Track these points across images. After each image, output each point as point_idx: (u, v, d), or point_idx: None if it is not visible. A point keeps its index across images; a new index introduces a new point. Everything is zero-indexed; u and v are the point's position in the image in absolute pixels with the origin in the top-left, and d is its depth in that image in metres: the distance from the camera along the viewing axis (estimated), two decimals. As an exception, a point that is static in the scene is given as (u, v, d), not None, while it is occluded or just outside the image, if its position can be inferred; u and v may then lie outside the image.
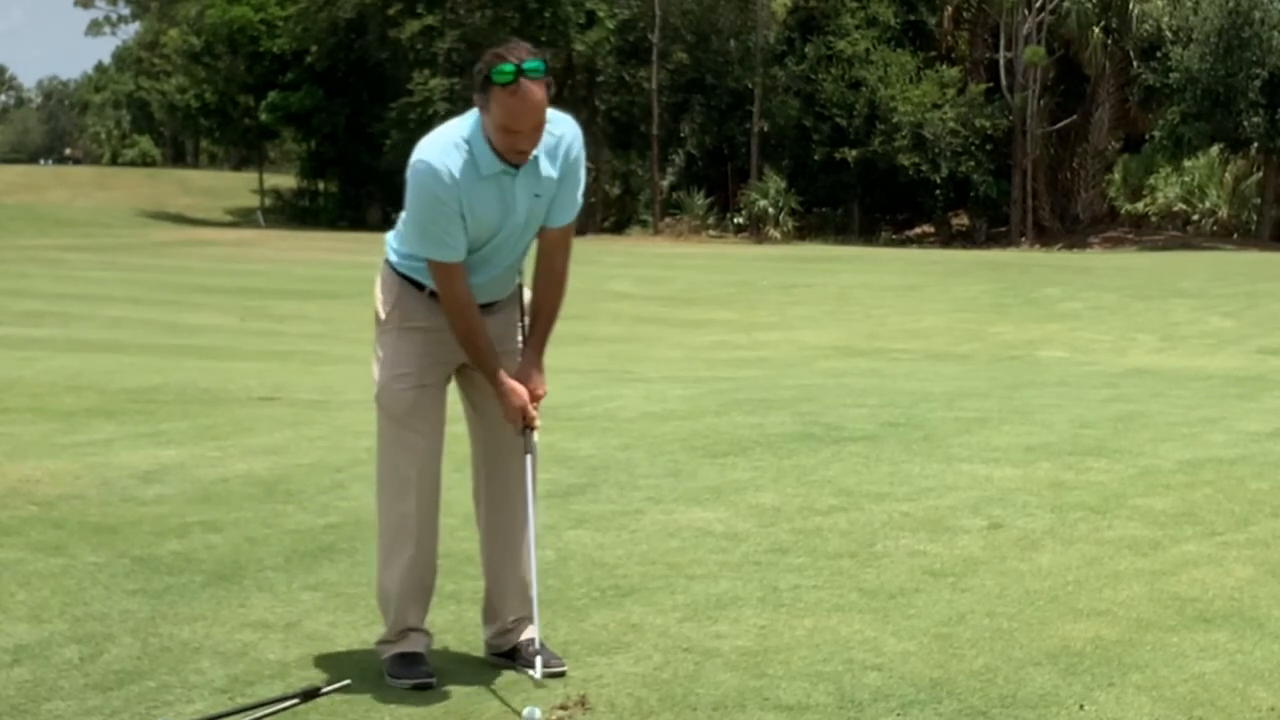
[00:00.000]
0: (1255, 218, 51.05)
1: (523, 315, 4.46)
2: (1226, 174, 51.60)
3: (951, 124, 50.82)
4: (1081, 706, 4.06)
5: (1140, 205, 51.72)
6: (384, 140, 55.42)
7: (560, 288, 4.42)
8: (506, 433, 4.38)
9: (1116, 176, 52.94)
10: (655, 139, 55.37)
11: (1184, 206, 51.45)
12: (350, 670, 4.31)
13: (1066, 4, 51.31)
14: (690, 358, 17.19)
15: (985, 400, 10.38)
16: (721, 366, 15.52)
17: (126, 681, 4.26)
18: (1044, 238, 51.20)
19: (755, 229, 51.69)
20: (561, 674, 4.28)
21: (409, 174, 4.18)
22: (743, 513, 6.41)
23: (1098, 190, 53.97)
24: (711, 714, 4.01)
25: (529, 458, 4.36)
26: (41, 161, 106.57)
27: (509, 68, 4.04)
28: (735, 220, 53.88)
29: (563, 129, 4.28)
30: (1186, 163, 50.77)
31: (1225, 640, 4.64)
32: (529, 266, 4.46)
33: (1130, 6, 51.37)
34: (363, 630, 4.70)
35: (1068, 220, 53.70)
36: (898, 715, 4.00)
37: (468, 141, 4.17)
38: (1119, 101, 53.14)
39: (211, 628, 4.76)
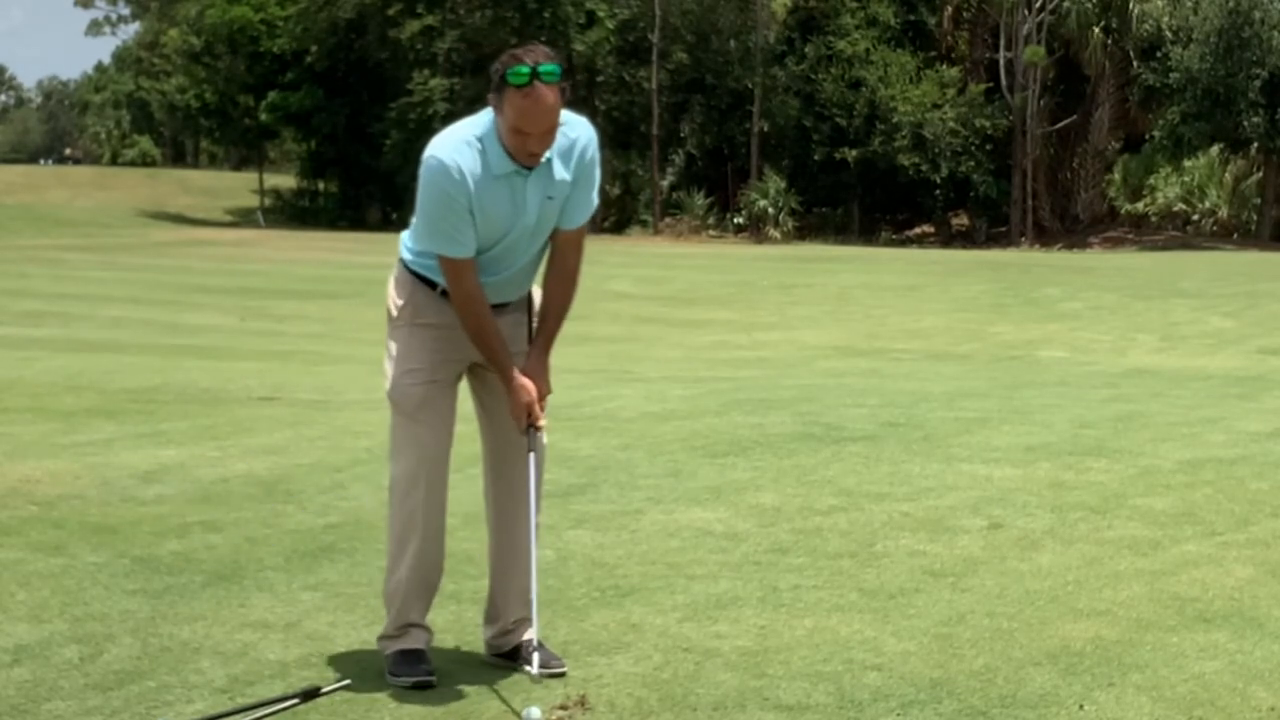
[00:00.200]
0: (1255, 218, 51.03)
1: (531, 317, 4.47)
2: (1226, 174, 51.57)
3: (951, 124, 50.81)
4: (1081, 706, 4.06)
5: (1140, 205, 51.69)
6: (384, 140, 55.51)
7: (571, 287, 4.43)
8: (515, 433, 4.39)
9: (1116, 176, 52.91)
10: (655, 139, 55.35)
11: (1184, 206, 51.42)
12: (350, 670, 4.31)
13: (1066, 4, 51.28)
14: (690, 358, 17.19)
15: (985, 400, 10.38)
16: (721, 366, 15.52)
17: (126, 681, 4.26)
18: (1044, 238, 51.17)
19: (755, 229, 51.68)
20: (561, 674, 4.28)
21: (421, 169, 4.20)
22: (743, 513, 6.40)
23: (1098, 190, 53.95)
24: (711, 714, 4.01)
25: (532, 456, 4.37)
26: (41, 161, 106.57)
27: (524, 70, 4.05)
28: (735, 220, 53.87)
29: (578, 132, 4.29)
30: (1186, 163, 50.75)
31: (1225, 640, 4.64)
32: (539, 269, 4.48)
33: (1130, 6, 51.35)
34: (363, 630, 4.70)
35: (1068, 220, 53.69)
36: (898, 715, 4.01)
37: (481, 140, 4.18)
38: (1119, 101, 53.12)
39: (211, 628, 4.76)
